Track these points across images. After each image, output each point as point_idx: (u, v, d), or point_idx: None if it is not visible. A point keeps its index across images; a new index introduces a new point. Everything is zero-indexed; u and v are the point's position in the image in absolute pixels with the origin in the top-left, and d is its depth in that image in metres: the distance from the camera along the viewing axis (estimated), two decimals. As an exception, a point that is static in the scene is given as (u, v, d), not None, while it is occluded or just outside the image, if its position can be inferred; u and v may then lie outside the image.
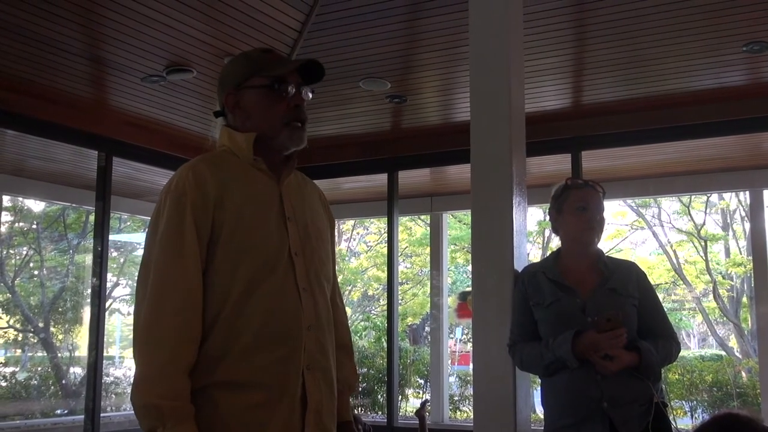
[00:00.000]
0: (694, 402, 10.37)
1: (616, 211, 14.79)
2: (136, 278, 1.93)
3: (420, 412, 6.54)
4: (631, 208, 14.71)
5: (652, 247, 15.49)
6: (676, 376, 10.40)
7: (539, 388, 3.05)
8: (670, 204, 14.45)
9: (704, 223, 13.85)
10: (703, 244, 13.51)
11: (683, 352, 12.65)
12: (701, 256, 13.61)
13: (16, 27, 4.70)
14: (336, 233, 2.40)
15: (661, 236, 14.49)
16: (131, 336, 1.86)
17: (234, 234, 1.91)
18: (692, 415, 10.26)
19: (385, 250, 10.03)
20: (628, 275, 2.99)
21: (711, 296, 13.73)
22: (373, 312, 15.70)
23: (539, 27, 4.90)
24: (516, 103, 3.49)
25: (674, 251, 14.14)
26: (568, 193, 3.07)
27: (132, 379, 1.84)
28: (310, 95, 2.09)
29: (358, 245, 17.13)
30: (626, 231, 15.39)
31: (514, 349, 3.05)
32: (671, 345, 2.92)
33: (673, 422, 2.90)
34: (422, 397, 11.45)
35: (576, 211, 3.02)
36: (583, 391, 2.81)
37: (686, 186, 8.68)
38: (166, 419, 1.75)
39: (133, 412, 1.83)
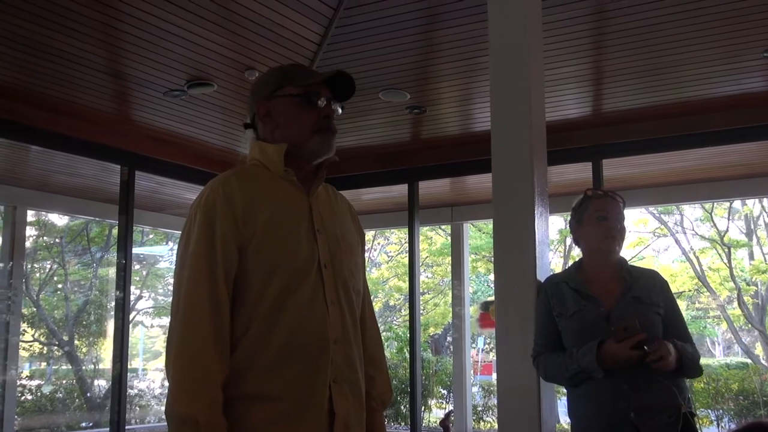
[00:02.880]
0: (720, 411, 10.27)
1: (638, 219, 14.74)
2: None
3: (444, 423, 6.54)
4: (654, 215, 14.65)
5: (675, 254, 15.42)
6: (701, 385, 10.30)
7: (564, 399, 3.03)
8: (692, 211, 14.36)
9: (727, 230, 13.75)
10: (726, 250, 13.41)
11: (708, 360, 12.55)
12: (725, 263, 13.50)
13: (41, 45, 4.77)
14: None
15: (684, 243, 14.41)
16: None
17: (263, 247, 1.92)
18: (719, 424, 10.15)
19: (405, 260, 10.04)
20: (652, 284, 2.98)
21: (735, 303, 13.62)
22: (395, 322, 15.69)
23: (558, 36, 4.89)
24: (536, 112, 3.48)
25: (697, 258, 14.04)
26: (588, 203, 3.08)
27: (166, 391, 1.85)
28: (340, 110, 2.12)
29: (379, 256, 17.14)
30: (649, 238, 15.32)
31: (539, 360, 3.04)
32: (696, 351, 2.91)
33: (700, 432, 2.88)
34: (445, 408, 11.43)
35: (596, 220, 3.02)
36: (609, 402, 2.79)
37: (709, 193, 8.61)
38: (201, 429, 1.76)
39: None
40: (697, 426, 2.88)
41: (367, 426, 2.08)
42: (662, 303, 2.93)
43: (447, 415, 6.84)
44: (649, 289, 2.94)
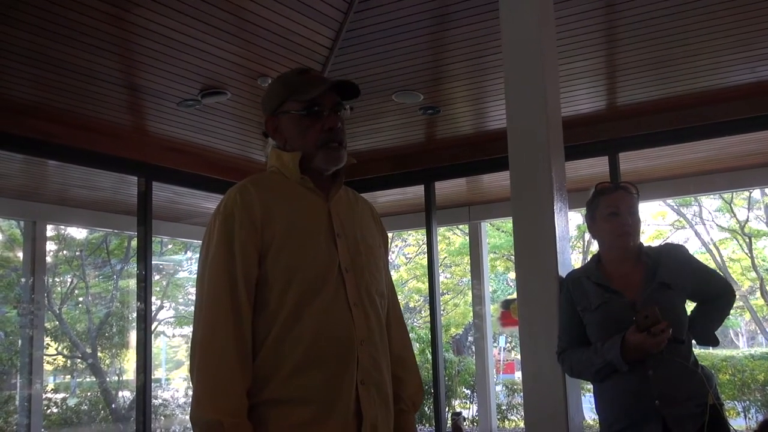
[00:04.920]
0: (747, 402, 10.18)
1: (656, 212, 14.66)
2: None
3: (456, 423, 6.49)
4: (672, 207, 14.56)
5: (695, 246, 15.31)
6: (727, 377, 10.23)
7: (588, 395, 3.01)
8: (711, 202, 14.26)
9: (747, 220, 13.64)
10: (747, 240, 13.31)
11: (732, 352, 12.44)
12: (746, 253, 13.41)
13: (57, 60, 4.81)
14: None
15: (704, 235, 14.32)
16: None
17: (282, 253, 1.92)
18: (746, 416, 10.07)
19: (424, 262, 10.03)
20: (673, 260, 2.92)
21: (758, 293, 13.52)
22: (415, 324, 15.67)
23: (570, 30, 4.88)
24: (552, 107, 3.47)
25: (718, 249, 13.95)
26: (599, 199, 3.03)
27: (191, 398, 1.86)
28: (348, 112, 2.10)
29: (397, 258, 17.13)
30: (668, 231, 15.23)
31: (563, 356, 3.02)
32: (723, 303, 2.99)
33: (732, 429, 2.84)
34: (469, 408, 11.39)
35: (608, 217, 2.97)
36: (635, 393, 2.76)
37: (727, 183, 8.55)
38: None
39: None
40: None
41: (398, 428, 2.07)
42: (689, 277, 2.89)
43: (456, 417, 6.75)
44: (672, 268, 2.88)
